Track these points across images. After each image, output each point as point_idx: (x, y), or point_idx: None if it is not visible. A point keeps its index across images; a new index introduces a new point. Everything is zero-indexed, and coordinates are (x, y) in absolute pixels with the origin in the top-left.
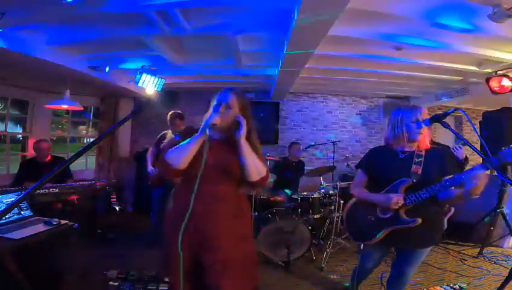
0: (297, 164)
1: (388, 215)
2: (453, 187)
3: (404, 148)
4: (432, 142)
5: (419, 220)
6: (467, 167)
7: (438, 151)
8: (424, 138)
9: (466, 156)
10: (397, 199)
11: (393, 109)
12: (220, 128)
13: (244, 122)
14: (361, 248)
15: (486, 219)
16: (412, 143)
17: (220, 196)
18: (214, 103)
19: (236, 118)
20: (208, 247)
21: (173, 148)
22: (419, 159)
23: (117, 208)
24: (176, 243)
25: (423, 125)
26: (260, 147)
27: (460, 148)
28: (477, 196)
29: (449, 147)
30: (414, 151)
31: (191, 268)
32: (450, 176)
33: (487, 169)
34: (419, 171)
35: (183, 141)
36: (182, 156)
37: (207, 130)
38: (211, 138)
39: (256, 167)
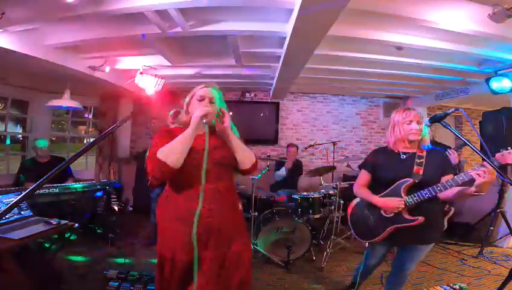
0: (295, 164)
1: (392, 214)
2: (456, 186)
3: (404, 149)
4: (434, 142)
5: (421, 219)
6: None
7: (438, 152)
8: (424, 139)
9: (459, 161)
10: (398, 203)
11: (393, 112)
12: (206, 122)
13: (228, 114)
14: (366, 245)
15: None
16: (411, 144)
17: (223, 189)
18: (193, 99)
19: (221, 111)
20: (215, 243)
21: (164, 146)
22: (421, 160)
23: (117, 208)
24: (185, 248)
25: (419, 126)
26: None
27: (453, 153)
28: (484, 193)
29: (450, 148)
30: (415, 152)
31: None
32: (451, 178)
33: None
34: (421, 172)
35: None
36: (178, 153)
37: (202, 124)
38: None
39: (247, 154)
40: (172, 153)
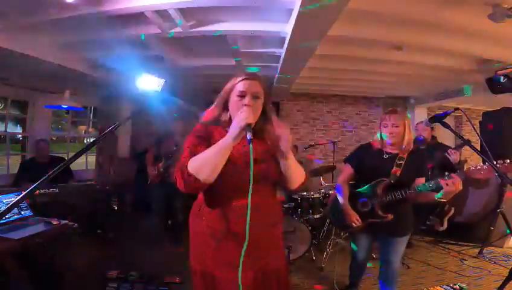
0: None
1: (366, 209)
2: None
3: (388, 149)
4: (435, 142)
5: (390, 216)
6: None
7: (419, 156)
8: (406, 141)
9: (460, 160)
10: (354, 221)
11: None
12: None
13: (287, 133)
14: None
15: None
16: (392, 145)
17: (262, 206)
18: (232, 94)
19: (279, 133)
20: (253, 261)
21: (196, 156)
22: (400, 162)
23: (117, 208)
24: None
25: (394, 128)
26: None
27: (454, 152)
28: (446, 200)
29: (450, 147)
30: (397, 153)
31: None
32: (423, 182)
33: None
34: (398, 173)
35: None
36: (212, 168)
37: (245, 133)
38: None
39: (299, 172)
40: (206, 166)
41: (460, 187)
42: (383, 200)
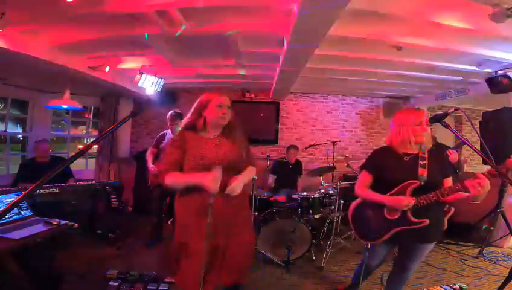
0: (295, 165)
1: (396, 216)
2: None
3: (408, 150)
4: (435, 142)
5: (427, 221)
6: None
7: (439, 153)
8: (429, 140)
9: (459, 160)
10: (408, 201)
11: (398, 112)
12: (221, 126)
13: (236, 182)
14: (368, 246)
15: (484, 227)
16: (415, 145)
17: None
18: (211, 104)
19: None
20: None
21: (173, 177)
22: (424, 162)
23: (117, 208)
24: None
25: (428, 127)
26: (246, 142)
27: (453, 153)
28: (479, 201)
29: (449, 148)
30: (418, 154)
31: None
32: (451, 181)
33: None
34: (425, 174)
35: None
36: (179, 187)
37: (210, 196)
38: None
39: (251, 177)
40: (177, 185)
41: (488, 187)
42: (416, 204)
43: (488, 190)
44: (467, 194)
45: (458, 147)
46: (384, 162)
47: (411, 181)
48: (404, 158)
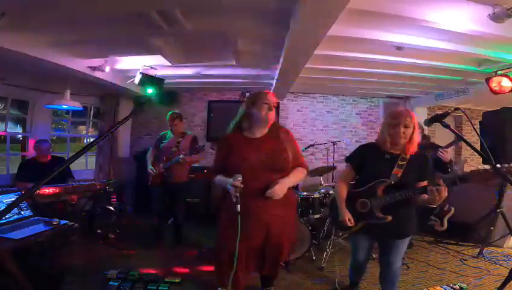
0: None
1: (365, 210)
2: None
3: (390, 149)
4: (426, 141)
5: (389, 218)
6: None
7: (423, 159)
8: (412, 142)
9: (451, 160)
10: (345, 218)
11: (386, 112)
12: (265, 126)
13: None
14: (350, 241)
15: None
16: (397, 146)
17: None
18: (259, 103)
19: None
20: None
21: (217, 178)
22: (402, 163)
23: (117, 208)
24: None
25: (407, 129)
26: (293, 142)
27: (444, 152)
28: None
29: (441, 147)
30: (399, 154)
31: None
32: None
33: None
34: (399, 174)
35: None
36: (220, 185)
37: (235, 202)
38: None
39: (300, 179)
40: (218, 184)
41: (445, 195)
42: (382, 201)
43: (444, 197)
44: (427, 195)
45: (451, 144)
46: (367, 157)
47: (382, 179)
48: (386, 156)
